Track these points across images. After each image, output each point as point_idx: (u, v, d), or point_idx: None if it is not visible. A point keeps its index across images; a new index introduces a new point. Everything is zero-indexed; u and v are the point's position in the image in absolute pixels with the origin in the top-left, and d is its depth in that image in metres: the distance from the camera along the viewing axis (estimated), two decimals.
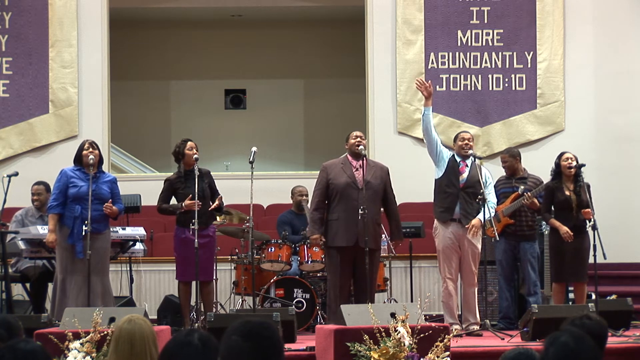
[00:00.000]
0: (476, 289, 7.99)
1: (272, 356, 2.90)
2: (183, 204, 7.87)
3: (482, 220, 7.86)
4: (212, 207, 7.96)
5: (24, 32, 11.03)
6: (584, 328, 3.39)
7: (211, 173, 8.28)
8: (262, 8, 14.44)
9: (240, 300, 8.91)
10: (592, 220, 8.04)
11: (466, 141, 8.09)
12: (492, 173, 8.43)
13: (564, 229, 8.13)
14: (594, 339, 3.37)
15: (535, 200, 8.51)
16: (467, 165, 8.06)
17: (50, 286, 8.81)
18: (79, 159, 7.63)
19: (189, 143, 8.08)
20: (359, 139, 7.77)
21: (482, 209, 7.83)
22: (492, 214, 7.99)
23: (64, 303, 7.32)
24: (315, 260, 8.69)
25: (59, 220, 7.54)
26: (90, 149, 7.58)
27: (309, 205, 9.21)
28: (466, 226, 7.89)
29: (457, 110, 11.21)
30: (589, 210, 8.08)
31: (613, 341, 6.93)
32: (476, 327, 7.81)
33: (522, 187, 8.77)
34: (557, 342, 2.93)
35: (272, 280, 8.65)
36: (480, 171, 7.99)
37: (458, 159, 8.08)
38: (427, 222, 9.71)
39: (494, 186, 8.67)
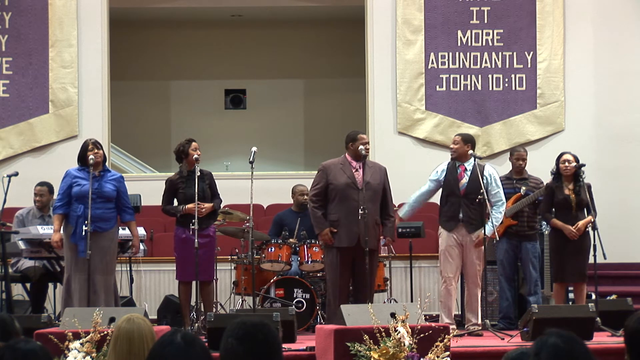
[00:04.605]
0: (479, 290, 7.96)
1: (267, 358, 2.90)
2: (184, 207, 7.88)
3: (493, 228, 7.85)
4: (206, 211, 7.95)
5: (24, 32, 11.03)
6: None
7: (212, 174, 8.29)
8: (262, 8, 14.44)
9: (240, 300, 8.91)
10: (592, 220, 8.06)
11: (451, 145, 8.09)
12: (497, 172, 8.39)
13: (568, 228, 8.11)
14: None
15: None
16: (466, 170, 7.99)
17: (51, 286, 8.84)
18: (82, 159, 7.63)
19: (194, 144, 8.09)
20: (367, 146, 7.77)
21: (484, 211, 7.79)
22: (496, 211, 7.97)
23: (68, 302, 7.33)
24: (315, 260, 8.69)
25: (64, 220, 7.54)
26: (95, 150, 7.58)
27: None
28: (475, 236, 7.86)
29: (457, 110, 11.20)
30: (589, 217, 8.11)
31: (613, 341, 6.94)
32: (477, 328, 7.80)
33: (524, 188, 8.78)
34: (546, 345, 2.86)
35: (272, 280, 8.65)
36: (482, 172, 7.93)
37: (457, 164, 8.03)
38: (427, 222, 9.71)
39: None
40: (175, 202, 8.14)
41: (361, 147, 7.69)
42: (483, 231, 7.77)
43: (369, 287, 7.53)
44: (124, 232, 8.44)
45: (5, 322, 3.73)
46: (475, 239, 7.85)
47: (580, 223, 8.13)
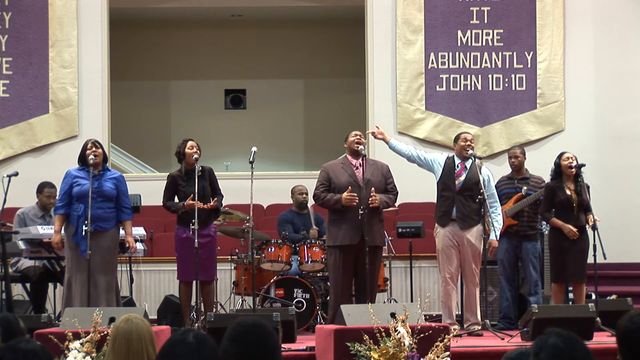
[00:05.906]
0: (478, 289, 7.96)
1: (262, 359, 2.89)
2: (184, 204, 7.87)
3: (496, 236, 7.88)
4: (208, 206, 7.92)
5: (24, 32, 11.03)
6: None
7: (212, 169, 8.28)
8: (262, 8, 14.44)
9: (240, 300, 8.91)
10: (593, 221, 8.05)
11: (468, 142, 8.04)
12: (492, 173, 8.41)
13: (568, 227, 8.09)
14: None
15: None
16: (465, 168, 8.00)
17: (51, 286, 8.83)
18: (82, 159, 7.63)
19: (190, 142, 8.09)
20: (357, 137, 7.77)
21: (482, 210, 7.81)
22: (495, 212, 7.98)
23: (69, 301, 7.33)
24: (315, 260, 8.69)
25: (66, 220, 7.53)
26: (94, 149, 7.58)
27: (309, 205, 9.27)
28: (470, 233, 7.88)
29: (457, 110, 11.20)
30: (591, 215, 8.09)
31: (613, 341, 6.93)
32: (477, 327, 7.80)
33: (525, 187, 8.78)
34: (546, 345, 2.85)
35: (272, 280, 8.65)
36: (480, 172, 7.94)
37: (457, 161, 8.04)
38: (427, 222, 9.70)
39: (495, 186, 8.66)
40: (176, 200, 8.14)
41: (351, 139, 7.74)
42: (483, 227, 7.79)
43: (372, 283, 7.52)
44: (123, 232, 8.44)
45: (10, 322, 3.73)
46: (471, 237, 7.88)
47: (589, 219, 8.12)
